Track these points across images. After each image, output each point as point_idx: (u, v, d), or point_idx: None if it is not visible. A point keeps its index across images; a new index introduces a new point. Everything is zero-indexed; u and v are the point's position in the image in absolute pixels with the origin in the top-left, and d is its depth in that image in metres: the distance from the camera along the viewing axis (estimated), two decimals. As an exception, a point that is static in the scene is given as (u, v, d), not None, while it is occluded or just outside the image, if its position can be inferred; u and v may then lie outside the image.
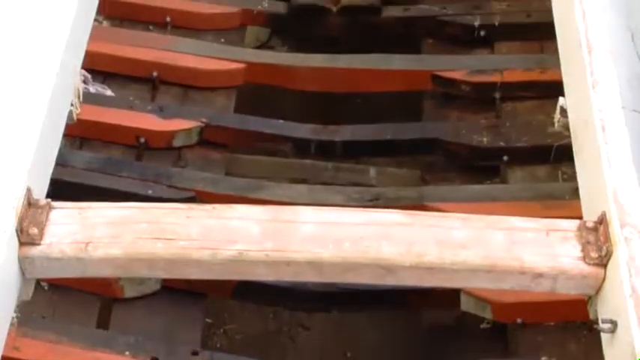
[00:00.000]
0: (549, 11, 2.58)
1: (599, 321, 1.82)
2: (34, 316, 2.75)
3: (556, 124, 2.32)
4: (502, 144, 3.33)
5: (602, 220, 1.86)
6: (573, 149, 2.19)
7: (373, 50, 3.75)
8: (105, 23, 3.77)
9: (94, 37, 2.49)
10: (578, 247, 1.85)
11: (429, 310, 3.12)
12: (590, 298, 1.88)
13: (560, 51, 2.42)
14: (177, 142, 3.38)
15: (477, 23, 3.80)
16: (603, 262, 1.82)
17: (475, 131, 3.38)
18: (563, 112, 2.28)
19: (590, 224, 1.88)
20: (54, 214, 1.89)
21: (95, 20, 2.55)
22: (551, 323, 2.79)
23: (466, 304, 2.87)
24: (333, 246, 1.84)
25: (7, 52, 2.10)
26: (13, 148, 1.92)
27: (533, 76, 3.51)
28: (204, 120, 3.40)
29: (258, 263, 1.85)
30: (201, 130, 3.39)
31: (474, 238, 1.86)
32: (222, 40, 3.82)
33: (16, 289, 1.86)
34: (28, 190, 1.88)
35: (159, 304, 2.94)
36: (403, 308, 3.13)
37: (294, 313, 3.45)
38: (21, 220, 1.84)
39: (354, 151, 3.49)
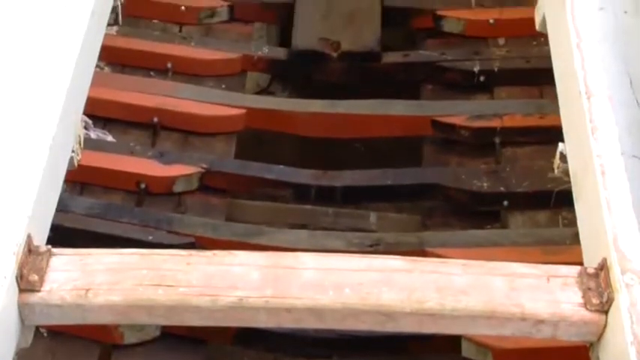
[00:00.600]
0: (548, 57, 2.59)
1: (601, 368, 1.81)
2: (34, 363, 2.74)
3: (556, 170, 2.33)
4: (502, 189, 3.33)
5: (602, 267, 1.85)
6: (573, 195, 2.19)
7: (373, 95, 3.76)
8: (106, 69, 3.79)
9: (95, 82, 2.50)
10: (579, 294, 1.85)
11: (430, 356, 3.11)
12: (591, 344, 1.87)
13: (559, 97, 2.43)
14: (177, 188, 3.38)
15: (476, 69, 3.82)
16: (604, 308, 1.81)
17: (475, 176, 3.39)
18: (563, 157, 2.28)
19: (590, 270, 1.87)
20: (54, 261, 1.89)
21: (97, 66, 2.57)
22: (553, 370, 2.78)
23: (467, 350, 2.86)
24: (333, 292, 1.84)
25: (9, 98, 2.11)
26: (13, 194, 1.92)
27: (533, 121, 3.52)
28: (204, 166, 3.41)
29: (258, 310, 1.84)
30: (202, 176, 3.40)
31: (475, 284, 1.85)
32: (223, 85, 3.84)
33: (15, 336, 1.85)
34: (29, 237, 1.88)
35: (159, 351, 2.93)
36: (404, 354, 3.11)
37: (295, 359, 3.43)
38: (21, 267, 1.83)
39: (354, 197, 3.50)
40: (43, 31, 2.28)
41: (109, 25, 2.63)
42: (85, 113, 2.49)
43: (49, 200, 2.07)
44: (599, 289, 1.84)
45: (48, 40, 2.25)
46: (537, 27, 2.74)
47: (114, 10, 2.67)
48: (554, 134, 2.51)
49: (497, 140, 3.53)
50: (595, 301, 1.82)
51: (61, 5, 2.34)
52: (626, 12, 2.40)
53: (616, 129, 2.09)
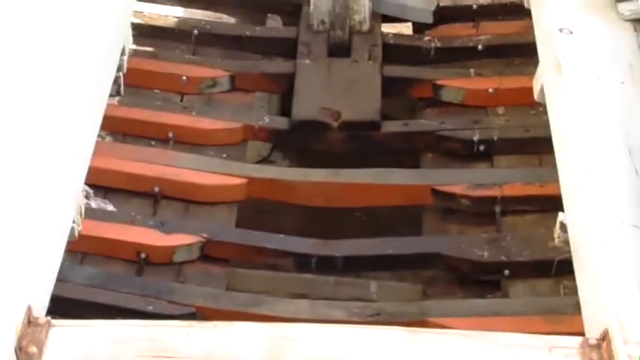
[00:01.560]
0: (547, 126, 2.61)
1: None
2: None
3: (556, 240, 2.33)
4: (503, 258, 3.33)
5: (604, 337, 1.85)
6: (574, 264, 2.19)
7: (373, 164, 3.78)
8: (108, 139, 3.81)
9: (96, 152, 2.51)
10: (582, 365, 1.84)
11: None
12: (595, 415, 1.86)
13: (558, 166, 2.45)
14: (178, 258, 3.38)
15: (476, 138, 3.84)
16: (607, 379, 1.80)
17: (476, 245, 3.39)
18: (563, 227, 2.29)
19: (592, 341, 1.87)
20: (54, 332, 1.88)
21: (98, 136, 2.58)
22: None
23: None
24: (334, 365, 1.83)
25: (12, 168, 2.12)
26: (14, 265, 1.92)
27: (533, 190, 3.53)
28: (205, 235, 3.40)
29: (259, 382, 1.83)
30: (203, 245, 3.40)
31: (476, 356, 1.84)
32: (224, 155, 3.86)
33: (14, 408, 1.84)
34: (29, 308, 1.88)
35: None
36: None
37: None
38: (20, 339, 1.83)
39: (355, 266, 3.49)
40: (45, 101, 2.30)
41: (111, 95, 2.65)
42: (87, 183, 2.50)
43: (49, 271, 2.07)
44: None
45: (51, 111, 2.27)
46: (536, 97, 2.77)
47: (116, 80, 2.69)
48: (554, 203, 2.51)
49: (497, 209, 3.54)
50: (598, 372, 1.82)
51: (64, 75, 2.37)
52: (623, 82, 2.42)
53: (616, 198, 2.09)
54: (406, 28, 4.68)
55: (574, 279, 2.19)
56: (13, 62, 2.40)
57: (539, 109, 3.59)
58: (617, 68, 2.47)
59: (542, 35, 2.73)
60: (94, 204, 3.48)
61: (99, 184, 3.50)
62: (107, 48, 2.50)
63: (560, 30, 2.52)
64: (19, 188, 2.08)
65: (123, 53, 2.73)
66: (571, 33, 2.50)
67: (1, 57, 2.41)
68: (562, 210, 2.34)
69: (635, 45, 2.56)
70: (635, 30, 2.60)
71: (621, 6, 2.64)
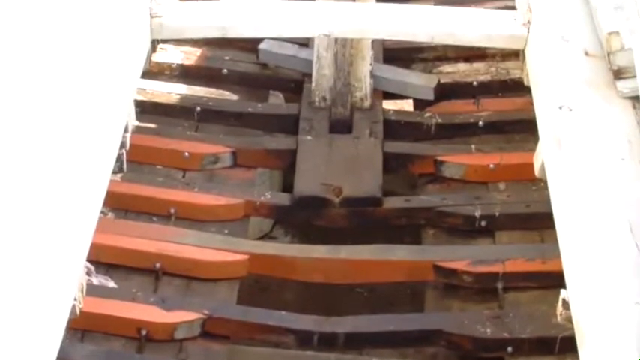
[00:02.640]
0: (548, 202, 2.62)
1: None
2: None
3: (559, 317, 2.32)
4: (506, 335, 3.31)
5: (608, 415, 1.83)
6: (577, 341, 2.18)
7: (375, 240, 3.78)
8: (110, 215, 3.82)
9: (98, 229, 2.51)
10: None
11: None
12: None
13: (560, 242, 2.44)
14: (178, 334, 3.36)
15: (477, 214, 3.84)
16: None
17: (478, 322, 3.36)
18: (566, 304, 2.28)
19: (597, 420, 1.85)
20: (53, 411, 1.86)
21: (100, 212, 2.59)
22: None
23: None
24: None
25: (13, 245, 2.12)
26: (15, 343, 1.91)
27: (535, 266, 3.52)
28: (206, 312, 3.39)
29: None
30: (204, 322, 3.37)
31: None
32: (226, 231, 3.85)
33: None
34: None
35: None
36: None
37: None
38: (20, 417, 1.81)
39: (357, 342, 3.46)
40: (48, 177, 2.30)
41: (113, 173, 2.66)
42: (88, 259, 2.50)
43: (49, 350, 2.06)
44: None
45: (54, 187, 2.28)
46: (537, 173, 2.78)
47: (119, 158, 2.71)
48: (556, 279, 2.51)
49: (499, 285, 3.52)
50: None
51: (68, 153, 2.38)
52: (623, 159, 2.43)
53: (618, 275, 2.09)
54: (407, 105, 4.72)
55: (577, 356, 2.17)
56: (18, 140, 2.42)
57: (540, 184, 3.60)
58: (617, 145, 2.49)
59: (541, 112, 2.75)
60: (95, 281, 3.46)
61: (100, 260, 3.50)
62: (110, 126, 2.52)
63: (560, 107, 2.55)
64: (21, 265, 2.07)
65: (126, 131, 2.75)
66: (570, 110, 2.53)
67: (2, 138, 2.42)
68: (564, 286, 2.33)
69: (634, 122, 2.58)
70: (634, 107, 2.63)
71: (620, 83, 2.67)
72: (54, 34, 2.78)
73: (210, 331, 3.39)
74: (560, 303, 2.31)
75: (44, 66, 2.66)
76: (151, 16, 2.90)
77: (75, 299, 2.26)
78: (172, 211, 3.86)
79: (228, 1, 3.27)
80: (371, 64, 4.36)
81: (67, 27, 2.83)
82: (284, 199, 4.01)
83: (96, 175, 2.40)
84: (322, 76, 4.34)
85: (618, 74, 2.69)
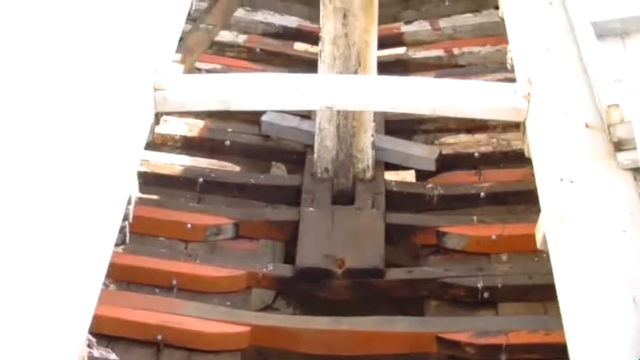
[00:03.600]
0: (551, 274, 2.61)
1: None
2: None
3: (562, 388, 2.30)
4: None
5: None
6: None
7: (377, 312, 3.77)
8: (112, 287, 3.81)
9: (100, 300, 2.50)
10: None
11: None
12: None
13: (563, 314, 2.43)
14: (181, 406, 3.34)
15: (480, 285, 3.84)
16: None
17: (483, 394, 3.35)
18: (570, 376, 2.26)
19: None
20: None
21: (102, 284, 2.58)
22: None
23: None
24: None
25: (15, 319, 2.12)
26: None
27: (538, 338, 3.51)
28: None
29: None
30: (204, 394, 3.36)
31: None
32: (228, 302, 3.85)
33: None
34: None
35: None
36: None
37: None
38: None
39: None
40: (50, 251, 2.31)
41: (115, 245, 2.66)
42: (90, 331, 2.48)
43: None
44: None
45: (56, 261, 2.28)
46: (538, 245, 2.77)
47: (121, 230, 2.71)
48: (560, 351, 2.49)
49: (503, 357, 3.51)
50: None
51: (70, 225, 2.38)
52: (625, 231, 2.44)
53: (621, 348, 2.08)
54: (409, 176, 4.74)
55: None
56: (23, 210, 2.43)
57: (542, 255, 3.59)
58: (619, 217, 2.49)
59: (543, 184, 2.76)
60: (96, 353, 3.44)
61: (102, 332, 3.48)
62: (114, 198, 2.53)
63: (561, 179, 2.56)
64: (23, 336, 2.07)
65: (129, 202, 2.75)
66: (572, 182, 2.54)
67: (5, 208, 2.43)
68: (568, 359, 2.32)
69: (636, 194, 2.58)
70: (635, 179, 2.63)
71: (620, 155, 2.68)
72: (60, 106, 2.81)
73: (212, 402, 3.37)
74: (563, 375, 2.30)
75: (50, 137, 2.68)
76: (155, 89, 2.92)
77: None
78: (174, 282, 3.86)
79: (231, 74, 3.31)
80: (373, 136, 4.39)
81: (73, 98, 2.85)
82: (286, 270, 4.01)
83: (98, 247, 2.40)
84: (324, 148, 4.36)
85: (619, 146, 2.70)
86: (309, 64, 4.91)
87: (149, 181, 4.24)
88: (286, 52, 5.61)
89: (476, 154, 4.64)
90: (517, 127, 3.05)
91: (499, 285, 3.83)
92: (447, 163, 4.61)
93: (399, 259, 4.22)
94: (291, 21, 5.86)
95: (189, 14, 3.59)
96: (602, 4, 3.44)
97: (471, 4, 5.70)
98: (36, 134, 2.69)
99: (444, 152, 4.64)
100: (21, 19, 3.25)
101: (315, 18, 4.45)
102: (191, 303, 3.76)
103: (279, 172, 4.71)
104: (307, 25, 5.75)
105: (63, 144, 2.67)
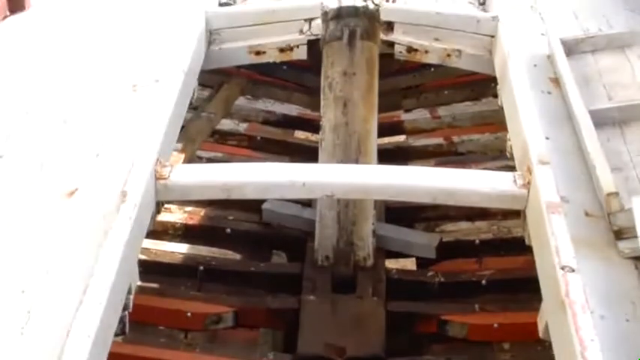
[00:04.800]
0: (552, 360, 2.60)
1: None
2: None
3: None
4: None
5: None
6: None
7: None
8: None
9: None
10: None
11: None
12: None
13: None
14: None
15: (483, 369, 3.81)
16: None
17: None
18: None
19: None
20: None
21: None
22: None
23: None
24: None
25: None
26: None
27: None
28: None
29: None
30: None
31: None
32: (226, 391, 3.82)
33: None
34: None
35: None
36: None
37: None
38: None
39: None
40: (54, 342, 2.29)
41: (115, 335, 2.65)
42: None
43: None
44: None
45: (55, 351, 2.27)
46: (540, 334, 2.76)
47: (121, 320, 2.69)
48: None
49: None
50: None
51: (68, 319, 2.37)
52: (628, 320, 2.42)
53: None
54: (410, 263, 4.73)
55: None
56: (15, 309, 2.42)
57: (545, 344, 3.57)
58: (621, 306, 2.48)
59: (544, 273, 2.76)
60: None
61: None
62: (114, 288, 2.52)
63: (562, 268, 2.55)
64: None
65: (129, 292, 2.74)
66: (573, 271, 2.53)
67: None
68: None
69: (637, 282, 2.57)
70: (636, 267, 2.63)
71: (621, 244, 2.68)
72: (62, 196, 2.82)
73: None
74: None
75: (50, 228, 2.69)
76: (156, 178, 2.94)
77: None
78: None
79: (232, 163, 3.33)
80: (373, 224, 4.40)
81: (76, 187, 2.87)
82: (287, 359, 3.97)
83: (98, 338, 2.39)
84: (325, 236, 4.36)
85: (619, 235, 2.71)
86: (309, 152, 4.94)
87: (150, 269, 4.22)
88: (287, 140, 5.66)
89: (477, 241, 4.65)
90: (518, 214, 3.06)
91: (501, 373, 3.81)
92: (448, 250, 4.61)
93: (401, 348, 4.18)
94: (292, 109, 5.91)
95: (190, 103, 3.64)
96: (600, 92, 3.49)
97: (469, 92, 5.76)
98: (32, 225, 2.71)
99: (444, 240, 4.64)
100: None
101: (315, 106, 4.50)
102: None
103: (279, 260, 4.70)
104: (308, 113, 5.80)
105: (64, 234, 2.67)
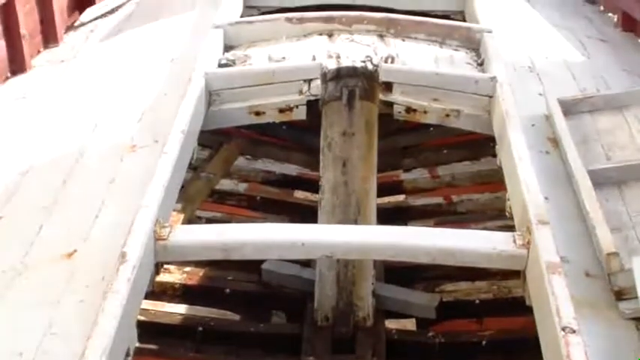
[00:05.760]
0: None
1: None
2: None
3: None
4: None
5: None
6: None
7: None
8: None
9: None
10: None
11: None
12: None
13: None
14: None
15: None
16: None
17: None
18: None
19: None
20: None
21: None
22: None
23: None
24: None
25: None
26: None
27: None
28: None
29: None
30: None
31: None
32: None
33: None
34: None
35: None
36: None
37: None
38: None
39: None
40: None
41: None
42: None
43: None
44: None
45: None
46: None
47: None
48: None
49: None
50: None
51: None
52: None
53: None
54: (410, 324, 4.70)
55: None
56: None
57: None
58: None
59: (545, 334, 2.74)
60: None
61: None
62: (113, 351, 2.50)
63: (563, 329, 2.54)
64: None
65: (127, 354, 2.72)
66: (574, 332, 2.51)
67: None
68: None
69: (638, 343, 2.56)
70: (638, 328, 2.61)
71: (622, 305, 2.67)
72: (60, 259, 2.82)
73: None
74: None
75: (49, 293, 2.69)
76: (156, 239, 2.93)
77: None
78: None
79: (231, 224, 3.32)
80: (373, 284, 4.38)
81: (73, 248, 2.87)
82: None
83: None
84: (324, 296, 4.35)
85: (620, 295, 2.70)
86: (309, 212, 4.94)
87: (148, 330, 4.18)
88: (286, 199, 5.65)
89: (477, 301, 4.62)
90: (518, 274, 3.05)
91: None
92: (448, 310, 4.58)
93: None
94: (291, 169, 5.92)
95: (190, 163, 3.64)
96: (598, 152, 3.50)
97: (469, 151, 5.77)
98: (31, 286, 2.70)
99: (444, 300, 4.61)
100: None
101: (315, 166, 4.51)
102: None
103: (279, 320, 4.67)
104: (307, 172, 5.81)
105: (62, 296, 2.66)
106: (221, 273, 4.78)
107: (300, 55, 4.19)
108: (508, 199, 3.36)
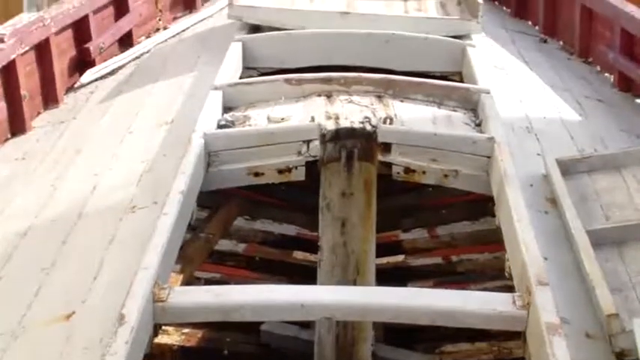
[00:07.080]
0: None
1: None
2: None
3: None
4: None
5: None
6: None
7: None
8: None
9: None
10: None
11: None
12: None
13: None
14: None
15: None
16: None
17: None
18: None
19: None
20: None
21: None
22: None
23: None
24: None
25: None
26: None
27: None
28: None
29: None
30: None
31: None
32: None
33: None
34: None
35: None
36: None
37: None
38: None
39: None
40: None
41: None
42: None
43: None
44: None
45: None
46: None
47: None
48: None
49: None
50: None
51: None
52: None
53: None
54: None
55: None
56: None
57: None
58: None
59: None
60: None
61: None
62: None
63: None
64: None
65: None
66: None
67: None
68: None
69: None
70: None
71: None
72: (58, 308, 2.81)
73: None
74: None
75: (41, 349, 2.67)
76: (154, 301, 2.92)
77: None
78: None
79: (230, 285, 3.31)
80: (372, 345, 4.35)
81: (71, 310, 2.86)
82: None
83: None
84: (324, 358, 4.31)
85: (621, 357, 2.68)
86: (308, 272, 4.91)
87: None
88: (285, 260, 5.63)
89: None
90: (519, 334, 3.03)
91: None
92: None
93: None
94: (291, 229, 5.91)
95: (189, 224, 3.64)
96: (597, 212, 3.50)
97: (467, 212, 5.77)
98: (28, 350, 2.69)
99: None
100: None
101: (314, 226, 4.50)
102: None
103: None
104: (306, 233, 5.80)
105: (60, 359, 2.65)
106: (220, 334, 4.75)
107: (299, 116, 4.21)
108: (507, 260, 3.36)
